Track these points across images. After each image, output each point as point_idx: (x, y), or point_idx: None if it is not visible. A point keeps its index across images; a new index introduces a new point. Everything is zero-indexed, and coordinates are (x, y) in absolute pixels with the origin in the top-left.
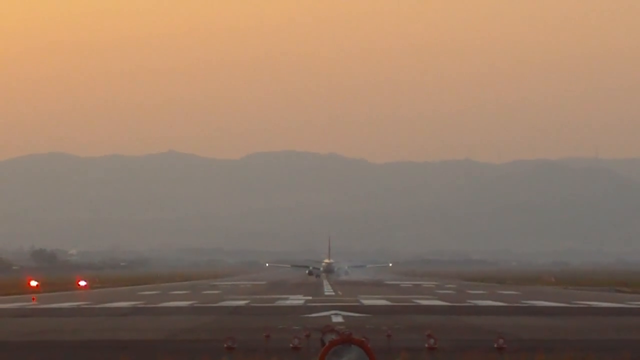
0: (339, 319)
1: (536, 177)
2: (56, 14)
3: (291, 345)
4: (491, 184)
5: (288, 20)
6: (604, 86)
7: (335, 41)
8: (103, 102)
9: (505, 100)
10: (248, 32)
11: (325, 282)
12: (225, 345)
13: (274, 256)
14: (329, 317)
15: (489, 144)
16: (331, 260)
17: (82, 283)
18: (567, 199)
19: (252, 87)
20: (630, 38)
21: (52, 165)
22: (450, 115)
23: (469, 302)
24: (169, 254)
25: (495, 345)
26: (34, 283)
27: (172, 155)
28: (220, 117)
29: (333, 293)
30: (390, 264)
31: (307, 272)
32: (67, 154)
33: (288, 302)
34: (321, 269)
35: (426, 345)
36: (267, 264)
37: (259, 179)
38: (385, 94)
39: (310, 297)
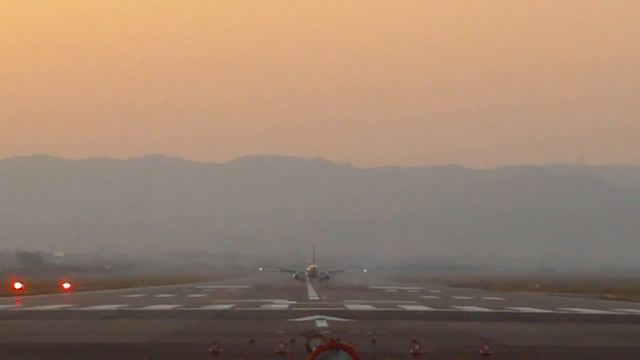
0: (324, 324)
1: (522, 183)
2: (42, 15)
3: (276, 350)
4: (477, 189)
5: (275, 23)
6: (590, 93)
7: (322, 45)
8: (89, 105)
9: (492, 107)
10: (235, 35)
11: (310, 287)
12: (210, 350)
13: (260, 260)
14: (313, 321)
15: (475, 150)
16: (315, 265)
17: (67, 285)
18: (552, 205)
19: (239, 90)
20: (617, 45)
21: (38, 167)
22: (437, 120)
23: (454, 308)
24: (155, 257)
25: (481, 352)
26: (18, 285)
27: (157, 158)
28: (206, 120)
29: (317, 298)
30: (365, 270)
31: (294, 276)
32: (53, 156)
33: (273, 307)
34: (306, 273)
35: (411, 350)
36: (260, 268)
37: (245, 183)
38: (372, 99)
39: (294, 302)
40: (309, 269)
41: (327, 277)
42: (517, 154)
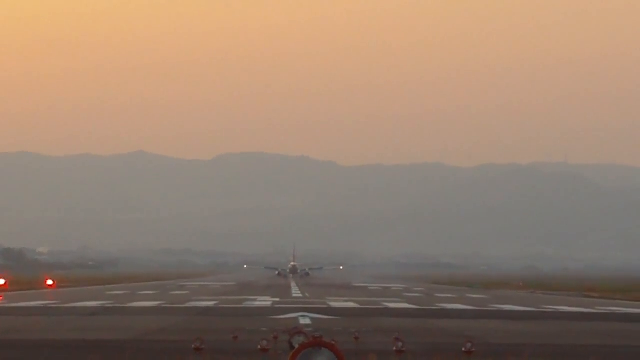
0: (307, 321)
1: (506, 181)
2: (24, 13)
3: (259, 346)
4: (461, 187)
5: (259, 21)
6: (574, 92)
7: (306, 43)
8: (72, 102)
9: (475, 105)
10: (219, 32)
11: (293, 284)
12: (193, 346)
13: (245, 257)
14: (296, 319)
15: (459, 147)
16: (295, 263)
17: (50, 282)
18: (536, 203)
19: (222, 87)
20: (601, 44)
21: (21, 164)
22: (421, 118)
23: (438, 306)
24: (139, 254)
25: (464, 349)
26: (1, 282)
27: (141, 155)
28: (190, 117)
29: (301, 295)
30: (342, 267)
31: (277, 273)
32: (36, 153)
33: (256, 304)
34: (288, 270)
35: (394, 348)
36: (245, 266)
37: (229, 180)
38: (356, 97)
39: (278, 299)
40: (290, 266)
41: (307, 274)
42: (501, 153)
